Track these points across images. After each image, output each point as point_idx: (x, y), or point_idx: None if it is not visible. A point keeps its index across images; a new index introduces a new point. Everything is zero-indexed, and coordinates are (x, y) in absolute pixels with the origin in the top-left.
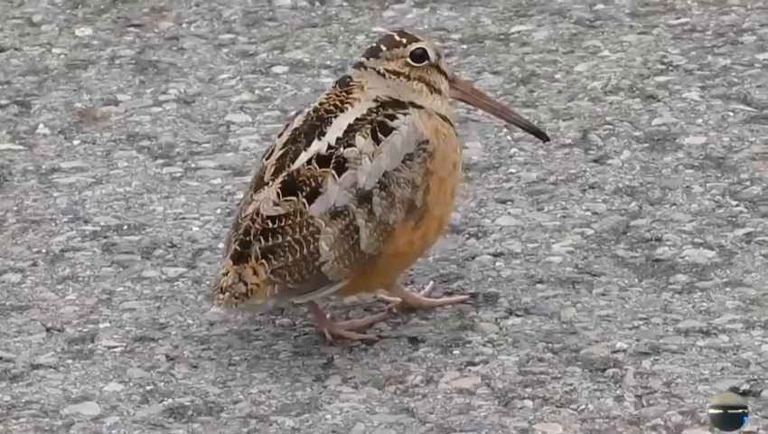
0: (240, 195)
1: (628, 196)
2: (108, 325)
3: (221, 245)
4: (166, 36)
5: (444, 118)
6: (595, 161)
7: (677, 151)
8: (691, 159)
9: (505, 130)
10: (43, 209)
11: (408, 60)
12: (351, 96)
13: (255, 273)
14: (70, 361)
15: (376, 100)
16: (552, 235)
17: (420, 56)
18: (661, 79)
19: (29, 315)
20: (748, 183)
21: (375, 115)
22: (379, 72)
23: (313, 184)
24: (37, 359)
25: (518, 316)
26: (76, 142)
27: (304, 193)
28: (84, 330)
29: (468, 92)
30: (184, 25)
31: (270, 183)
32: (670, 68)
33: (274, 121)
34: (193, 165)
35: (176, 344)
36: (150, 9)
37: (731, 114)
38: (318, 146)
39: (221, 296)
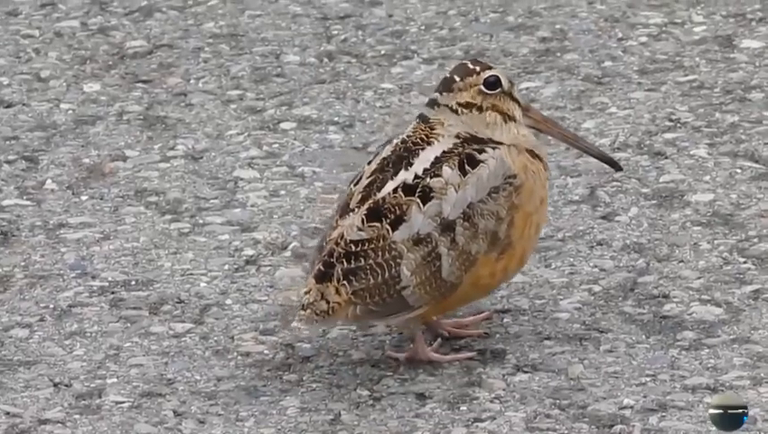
0: (248, 251)
1: (635, 253)
2: (116, 380)
3: (229, 301)
4: (174, 92)
5: (534, 155)
6: (603, 218)
7: (684, 208)
8: (699, 216)
9: None
10: (51, 264)
11: (482, 87)
12: (435, 131)
13: (337, 292)
14: (77, 416)
15: (458, 137)
16: (560, 292)
17: (494, 83)
18: (669, 136)
19: (36, 370)
20: (756, 241)
21: (462, 148)
22: (451, 109)
23: (398, 212)
24: (44, 414)
25: (525, 372)
26: (84, 198)
27: (388, 220)
28: (91, 385)
29: (541, 121)
30: (192, 81)
31: (356, 209)
32: (678, 125)
33: (282, 177)
34: (201, 221)
35: (184, 400)
36: (158, 65)
37: (739, 171)
38: (405, 176)
39: (302, 312)
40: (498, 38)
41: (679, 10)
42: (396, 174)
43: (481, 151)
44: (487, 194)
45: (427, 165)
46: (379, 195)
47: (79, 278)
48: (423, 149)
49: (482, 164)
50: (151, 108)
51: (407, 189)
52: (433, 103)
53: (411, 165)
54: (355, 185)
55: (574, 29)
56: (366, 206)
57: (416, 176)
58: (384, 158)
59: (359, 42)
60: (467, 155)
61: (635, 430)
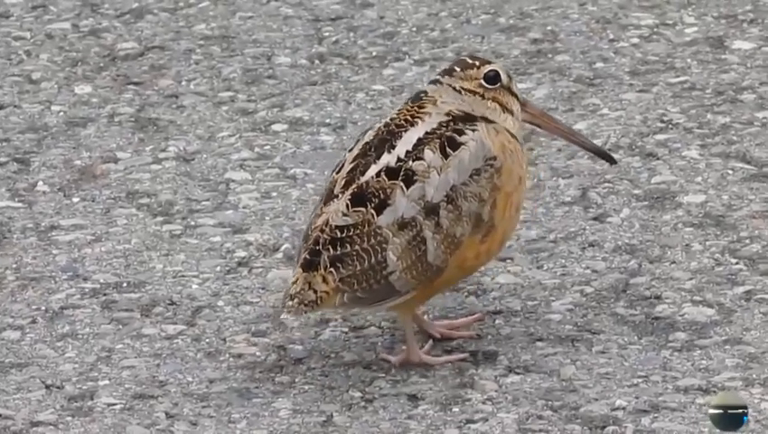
0: (240, 253)
1: (627, 254)
2: (108, 382)
3: (221, 302)
4: (166, 94)
5: (513, 135)
6: (595, 219)
7: (676, 209)
8: (691, 217)
9: None
10: (43, 266)
11: (482, 81)
12: (422, 110)
13: (324, 281)
14: (69, 418)
15: (448, 114)
16: (552, 293)
17: (493, 78)
18: (661, 137)
19: (28, 372)
20: (747, 241)
21: (444, 129)
22: (455, 89)
23: (382, 196)
24: (36, 416)
25: (517, 373)
26: (75, 199)
27: (372, 205)
28: (83, 387)
29: (538, 115)
30: (184, 83)
31: (340, 195)
32: (670, 126)
33: (273, 179)
34: (193, 223)
35: (176, 402)
36: (149, 67)
37: (730, 172)
38: (388, 159)
39: (290, 302)
40: (489, 39)
41: (670, 11)
42: (378, 157)
43: (461, 133)
44: (469, 177)
45: (410, 147)
46: (363, 179)
47: (71, 280)
48: (406, 131)
49: (462, 146)
50: (142, 110)
51: (391, 172)
52: (436, 81)
53: (394, 147)
54: (337, 173)
55: (565, 30)
56: (350, 191)
57: (399, 159)
58: (366, 143)
59: (350, 44)
60: (448, 137)
61: (627, 431)
